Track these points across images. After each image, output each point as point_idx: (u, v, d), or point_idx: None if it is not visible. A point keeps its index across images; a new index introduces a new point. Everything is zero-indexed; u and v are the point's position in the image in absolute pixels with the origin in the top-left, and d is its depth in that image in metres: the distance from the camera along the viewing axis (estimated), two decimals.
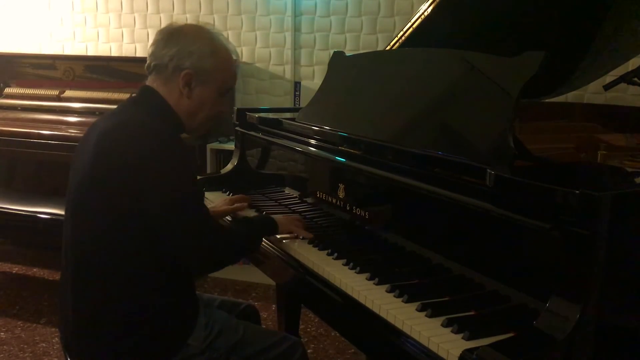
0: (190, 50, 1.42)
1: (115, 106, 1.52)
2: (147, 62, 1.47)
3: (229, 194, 2.09)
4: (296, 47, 3.47)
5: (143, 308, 1.35)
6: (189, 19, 3.63)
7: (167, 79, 1.44)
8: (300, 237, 1.62)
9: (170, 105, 1.45)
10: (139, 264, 1.34)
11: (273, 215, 1.67)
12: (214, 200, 2.05)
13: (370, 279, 1.35)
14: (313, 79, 3.45)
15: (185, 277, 1.46)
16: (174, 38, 1.43)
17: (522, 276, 1.15)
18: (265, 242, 1.70)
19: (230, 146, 2.73)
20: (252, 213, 1.86)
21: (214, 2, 3.58)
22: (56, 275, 3.41)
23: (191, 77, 1.43)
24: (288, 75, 3.50)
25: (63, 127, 3.21)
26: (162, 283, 1.37)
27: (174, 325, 1.40)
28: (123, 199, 1.30)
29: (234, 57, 1.53)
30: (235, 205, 1.88)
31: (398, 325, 1.16)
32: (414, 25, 1.98)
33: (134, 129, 1.35)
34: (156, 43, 1.45)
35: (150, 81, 1.48)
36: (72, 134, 3.09)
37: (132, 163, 1.30)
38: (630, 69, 2.01)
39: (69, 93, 3.44)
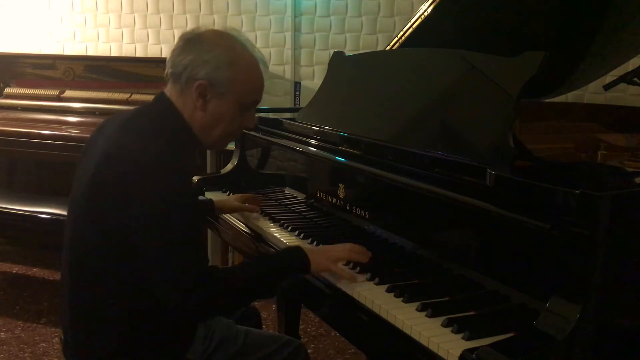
0: (205, 59, 1.30)
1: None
2: (166, 68, 1.37)
3: (229, 194, 2.10)
4: (296, 47, 3.47)
5: (139, 322, 1.30)
6: (189, 19, 3.63)
7: (183, 89, 1.33)
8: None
9: (185, 118, 1.34)
10: (135, 280, 1.27)
11: (307, 249, 1.39)
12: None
13: (370, 279, 1.34)
14: (313, 79, 3.45)
15: None
16: (191, 45, 1.32)
17: (522, 276, 1.15)
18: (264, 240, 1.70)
19: (230, 146, 2.72)
20: (261, 219, 1.85)
21: (214, 2, 3.58)
22: (56, 275, 3.40)
23: (205, 88, 1.31)
24: (288, 75, 3.50)
25: (63, 127, 3.21)
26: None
27: (172, 340, 1.36)
28: (118, 226, 1.23)
29: (261, 67, 1.39)
30: (247, 205, 1.84)
31: (398, 325, 1.16)
32: (414, 25, 1.98)
33: (136, 164, 1.23)
34: (174, 49, 1.35)
35: (167, 89, 1.37)
36: (72, 134, 3.09)
37: (129, 203, 1.21)
38: (630, 69, 2.01)
39: (69, 93, 3.44)
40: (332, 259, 1.35)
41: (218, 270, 1.31)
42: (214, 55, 1.31)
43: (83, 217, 1.32)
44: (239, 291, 1.31)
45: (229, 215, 1.91)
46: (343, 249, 1.39)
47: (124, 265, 1.27)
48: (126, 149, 1.27)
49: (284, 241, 1.63)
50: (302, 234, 1.66)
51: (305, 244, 1.60)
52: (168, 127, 1.33)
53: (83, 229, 1.32)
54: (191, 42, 1.33)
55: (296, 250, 1.38)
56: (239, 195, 1.93)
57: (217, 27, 1.42)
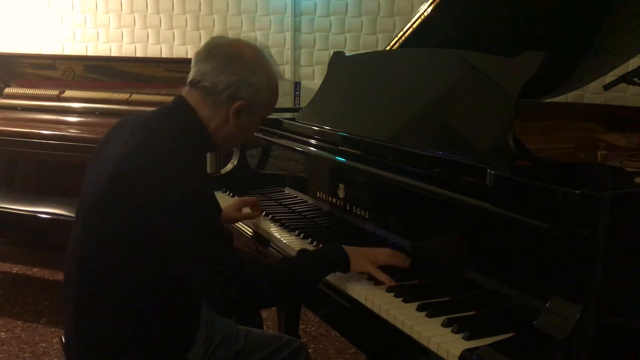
0: (250, 82, 1.36)
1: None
2: (195, 77, 1.37)
3: (229, 194, 2.10)
4: (296, 47, 3.47)
5: (142, 324, 1.31)
6: (189, 19, 3.63)
7: (216, 104, 1.36)
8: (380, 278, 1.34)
9: (208, 127, 1.38)
10: (144, 282, 1.28)
11: (348, 249, 1.38)
12: None
13: (369, 278, 1.34)
14: (313, 79, 3.45)
15: (191, 298, 1.38)
16: (235, 65, 1.35)
17: (522, 276, 1.15)
18: (264, 240, 1.70)
19: None
20: (261, 218, 1.83)
21: (214, 2, 3.58)
22: (56, 275, 3.41)
23: (244, 107, 1.37)
24: (288, 75, 3.50)
25: (63, 127, 3.21)
26: (165, 301, 1.31)
27: (173, 341, 1.36)
28: (138, 230, 1.24)
29: (278, 82, 1.47)
30: (245, 212, 1.80)
31: (398, 325, 1.16)
32: (414, 25, 1.98)
33: (160, 160, 1.26)
34: (211, 62, 1.35)
35: (190, 96, 1.38)
36: (72, 134, 3.09)
37: (153, 200, 1.22)
38: (630, 69, 2.01)
39: (69, 93, 3.43)
40: (372, 261, 1.36)
41: (259, 262, 1.33)
42: (258, 78, 1.37)
43: (96, 216, 1.32)
44: (279, 284, 1.32)
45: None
46: (384, 252, 1.39)
47: (133, 266, 1.27)
48: (149, 148, 1.28)
49: (284, 241, 1.63)
50: (302, 234, 1.66)
51: (306, 244, 1.60)
52: (188, 131, 1.36)
53: (96, 228, 1.32)
54: (234, 60, 1.36)
55: (337, 249, 1.38)
56: (237, 201, 1.82)
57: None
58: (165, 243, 1.24)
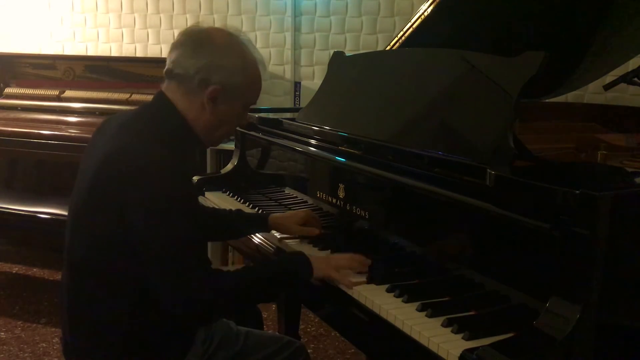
0: (220, 65, 1.31)
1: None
2: (168, 66, 1.34)
3: (229, 194, 2.10)
4: (296, 47, 3.47)
5: (138, 325, 1.30)
6: (189, 19, 3.63)
7: (190, 91, 1.32)
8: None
9: (187, 119, 1.34)
10: (135, 284, 1.27)
11: (310, 256, 1.39)
12: (214, 200, 2.05)
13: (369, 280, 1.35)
14: (313, 79, 3.45)
15: None
16: (204, 48, 1.31)
17: (522, 276, 1.15)
18: (262, 240, 1.70)
19: (230, 146, 2.73)
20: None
21: (214, 2, 3.58)
22: (56, 275, 3.41)
23: (218, 92, 1.32)
24: (288, 75, 3.50)
25: (63, 127, 3.21)
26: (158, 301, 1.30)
27: (172, 342, 1.35)
28: (116, 230, 1.23)
29: (262, 69, 1.42)
30: (305, 228, 1.66)
31: (398, 325, 1.16)
32: (414, 25, 1.98)
33: (138, 159, 1.23)
34: (181, 48, 1.33)
35: (167, 88, 1.35)
36: (72, 134, 3.09)
37: (130, 204, 1.21)
38: (630, 69, 2.00)
39: (69, 93, 3.43)
40: (334, 266, 1.38)
41: (222, 274, 1.31)
42: (229, 61, 1.32)
43: (81, 220, 1.32)
44: (243, 296, 1.34)
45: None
46: (344, 257, 1.41)
47: (123, 268, 1.26)
48: (125, 151, 1.26)
49: (284, 241, 1.63)
50: None
51: (305, 244, 1.60)
52: (169, 128, 1.33)
53: (81, 232, 1.32)
54: (203, 44, 1.32)
55: (300, 256, 1.40)
56: (299, 217, 1.68)
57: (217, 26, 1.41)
58: (142, 247, 1.22)
